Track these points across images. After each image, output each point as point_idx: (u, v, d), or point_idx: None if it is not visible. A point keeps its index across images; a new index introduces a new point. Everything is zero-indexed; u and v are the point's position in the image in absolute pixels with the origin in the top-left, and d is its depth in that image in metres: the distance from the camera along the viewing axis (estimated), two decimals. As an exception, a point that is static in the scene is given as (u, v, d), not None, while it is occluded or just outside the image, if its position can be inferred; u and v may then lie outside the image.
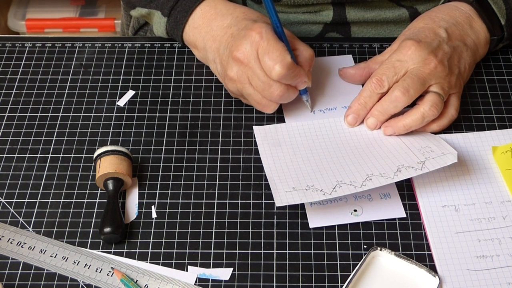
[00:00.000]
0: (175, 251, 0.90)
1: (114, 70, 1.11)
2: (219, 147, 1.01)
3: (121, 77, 1.10)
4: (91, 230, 0.92)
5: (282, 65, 0.94)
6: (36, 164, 0.99)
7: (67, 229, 0.92)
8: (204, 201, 0.95)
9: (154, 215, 0.94)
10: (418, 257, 0.89)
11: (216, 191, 0.96)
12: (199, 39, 1.06)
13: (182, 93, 1.07)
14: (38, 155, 1.00)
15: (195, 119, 1.04)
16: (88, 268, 0.88)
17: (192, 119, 1.04)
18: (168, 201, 0.95)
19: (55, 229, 0.92)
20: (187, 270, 0.88)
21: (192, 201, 0.95)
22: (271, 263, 0.89)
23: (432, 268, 0.88)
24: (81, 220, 0.93)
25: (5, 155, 1.00)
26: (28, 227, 0.93)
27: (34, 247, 0.90)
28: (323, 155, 0.98)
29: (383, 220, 0.92)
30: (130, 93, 1.08)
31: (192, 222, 0.93)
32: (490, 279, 0.86)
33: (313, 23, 1.16)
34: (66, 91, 1.08)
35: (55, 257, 0.89)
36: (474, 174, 0.96)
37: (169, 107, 1.06)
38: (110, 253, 0.90)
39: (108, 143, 1.01)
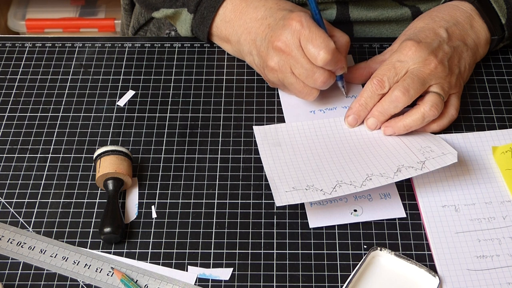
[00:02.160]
0: (175, 251, 0.90)
1: (114, 70, 1.11)
2: (219, 147, 1.01)
3: (121, 77, 1.10)
4: (91, 230, 0.92)
5: (326, 51, 0.96)
6: (36, 164, 0.99)
7: (67, 229, 0.92)
8: (204, 201, 0.95)
9: (154, 215, 0.94)
10: (418, 257, 0.89)
11: (216, 191, 0.96)
12: (232, 33, 1.06)
13: (182, 93, 1.07)
14: (38, 155, 1.00)
15: (195, 119, 1.04)
16: (88, 268, 0.88)
17: (192, 119, 1.04)
18: (168, 201, 0.95)
19: (55, 229, 0.92)
20: (187, 270, 0.88)
21: (192, 201, 0.95)
22: (271, 263, 0.89)
23: (432, 268, 0.88)
24: (81, 220, 0.93)
25: (5, 155, 1.00)
26: (28, 227, 0.93)
27: (34, 247, 0.90)
28: (323, 155, 0.98)
29: (383, 220, 0.92)
30: (130, 93, 1.08)
31: (192, 222, 0.93)
32: (490, 279, 0.86)
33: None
34: (66, 91, 1.08)
35: (55, 257, 0.89)
36: (474, 174, 0.96)
37: (169, 107, 1.06)
38: (110, 253, 0.90)
39: (108, 143, 1.01)
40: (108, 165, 0.94)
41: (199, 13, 1.09)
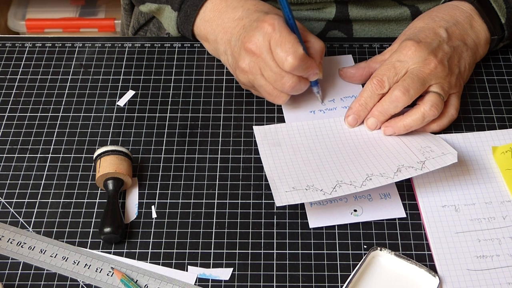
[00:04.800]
0: (175, 251, 0.90)
1: (114, 70, 1.11)
2: (219, 147, 1.01)
3: (121, 77, 1.10)
4: (91, 230, 0.92)
5: (294, 57, 0.95)
6: (36, 164, 0.99)
7: (67, 229, 0.92)
8: (204, 201, 0.95)
9: (154, 215, 0.94)
10: (418, 257, 0.89)
11: (216, 191, 0.96)
12: (210, 32, 1.06)
13: (182, 93, 1.07)
14: (38, 155, 1.00)
15: (195, 119, 1.04)
16: (88, 268, 0.88)
17: (192, 119, 1.04)
18: (168, 201, 0.95)
19: (55, 229, 0.92)
20: (187, 270, 0.88)
21: (192, 201, 0.95)
22: (271, 263, 0.89)
23: (432, 268, 0.88)
24: (81, 220, 0.93)
25: (5, 155, 1.00)
26: (28, 227, 0.93)
27: (34, 247, 0.90)
28: (323, 155, 0.98)
29: (383, 220, 0.92)
30: (130, 93, 1.08)
31: (192, 222, 0.93)
32: (490, 279, 0.86)
33: (316, 20, 1.16)
34: (66, 91, 1.08)
35: (55, 257, 0.89)
36: (474, 174, 0.96)
37: (169, 107, 1.06)
38: (110, 253, 0.90)
39: (108, 143, 1.01)
40: (108, 165, 0.94)
41: (183, 12, 1.09)
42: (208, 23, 1.07)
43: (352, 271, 0.87)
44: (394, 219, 0.93)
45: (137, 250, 0.90)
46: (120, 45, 1.14)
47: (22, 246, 0.90)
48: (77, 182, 0.97)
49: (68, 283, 0.87)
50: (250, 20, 1.01)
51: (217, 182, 0.97)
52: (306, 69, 0.98)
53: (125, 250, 0.90)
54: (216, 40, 1.06)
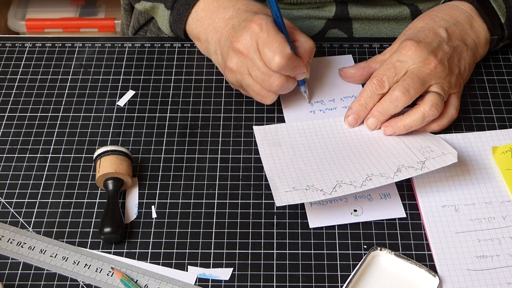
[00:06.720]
0: (175, 251, 0.90)
1: (114, 70, 1.11)
2: (219, 147, 1.01)
3: (121, 77, 1.10)
4: (91, 230, 0.92)
5: (281, 56, 0.95)
6: (36, 164, 0.99)
7: (67, 229, 0.92)
8: (204, 201, 0.95)
9: (154, 215, 0.94)
10: (418, 257, 0.89)
11: (216, 191, 0.96)
12: (202, 31, 1.06)
13: (182, 93, 1.07)
14: (38, 155, 1.00)
15: (195, 119, 1.04)
16: (88, 268, 0.88)
17: (192, 119, 1.04)
18: (168, 201, 0.95)
19: (55, 229, 0.92)
20: (187, 270, 0.88)
21: (192, 201, 0.95)
22: (271, 263, 0.89)
23: (432, 268, 0.88)
24: (81, 220, 0.93)
25: (5, 155, 1.00)
26: (28, 227, 0.93)
27: (34, 247, 0.90)
28: (323, 155, 0.98)
29: (383, 220, 0.92)
30: (130, 93, 1.08)
31: (192, 222, 0.93)
32: (490, 279, 0.86)
33: (316, 18, 1.16)
34: (66, 91, 1.08)
35: (55, 257, 0.89)
36: (474, 174, 0.96)
37: (169, 107, 1.06)
38: (110, 253, 0.90)
39: (108, 143, 1.01)
40: (108, 165, 0.94)
41: (175, 10, 1.09)
42: (199, 23, 1.07)
43: (352, 271, 0.87)
44: (394, 219, 0.93)
45: (137, 250, 0.90)
46: (120, 45, 1.14)
47: (22, 246, 0.90)
48: (77, 182, 0.97)
49: (68, 283, 0.87)
50: (239, 20, 1.01)
51: (217, 182, 0.97)
52: (293, 69, 0.98)
53: (125, 250, 0.90)
54: (207, 39, 1.06)
